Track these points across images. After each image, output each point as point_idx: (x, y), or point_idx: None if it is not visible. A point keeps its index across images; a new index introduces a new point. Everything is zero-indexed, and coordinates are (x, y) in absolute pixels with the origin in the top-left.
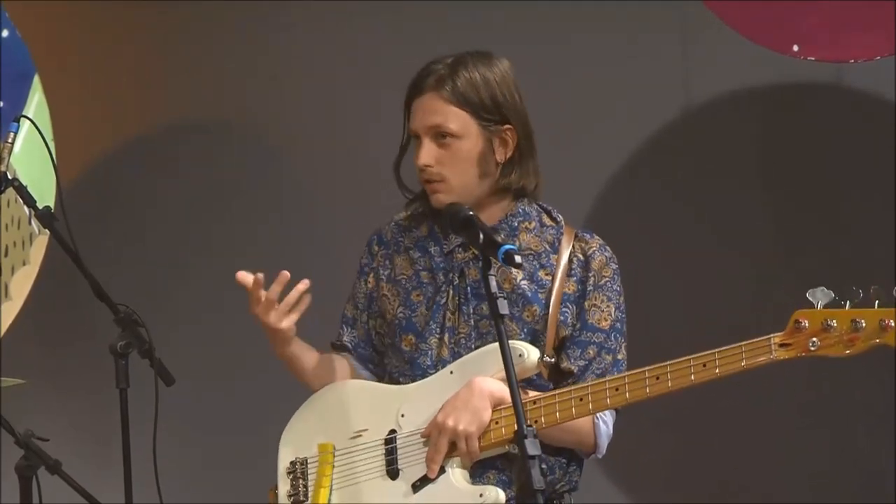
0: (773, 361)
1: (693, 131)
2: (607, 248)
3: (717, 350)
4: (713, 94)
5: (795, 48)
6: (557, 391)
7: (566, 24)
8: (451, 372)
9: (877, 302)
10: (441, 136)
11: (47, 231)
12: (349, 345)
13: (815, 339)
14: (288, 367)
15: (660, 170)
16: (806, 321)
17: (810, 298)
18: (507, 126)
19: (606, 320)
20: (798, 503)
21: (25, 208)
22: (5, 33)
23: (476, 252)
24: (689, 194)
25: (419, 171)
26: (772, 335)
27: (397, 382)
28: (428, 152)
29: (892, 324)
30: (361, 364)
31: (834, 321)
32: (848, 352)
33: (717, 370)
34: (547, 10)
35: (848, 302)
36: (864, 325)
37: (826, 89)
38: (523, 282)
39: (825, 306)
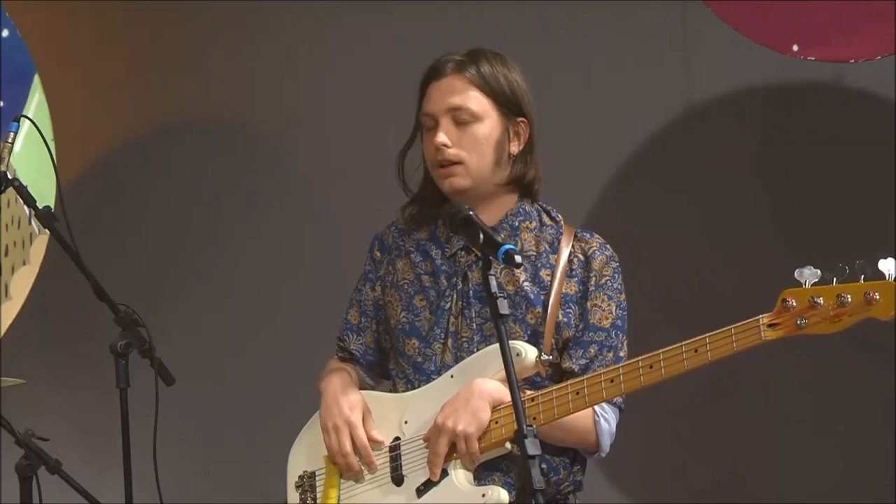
0: (764, 342)
1: (693, 131)
2: (608, 246)
3: (707, 335)
4: (713, 94)
5: (795, 48)
6: (555, 387)
7: (566, 25)
8: (452, 376)
9: (862, 276)
10: (460, 117)
11: (47, 231)
12: (357, 353)
13: (802, 317)
14: None
15: (660, 170)
16: (793, 300)
17: (798, 277)
18: (522, 118)
19: (608, 319)
20: (799, 503)
21: (25, 208)
22: (5, 33)
23: (478, 254)
24: (689, 194)
25: (434, 153)
26: (760, 316)
27: (401, 386)
28: (447, 132)
29: (877, 296)
30: (367, 371)
31: (820, 298)
32: (836, 327)
33: (709, 354)
34: (547, 10)
35: (835, 278)
36: (849, 299)
37: (826, 89)
38: (526, 283)
39: (813, 285)
